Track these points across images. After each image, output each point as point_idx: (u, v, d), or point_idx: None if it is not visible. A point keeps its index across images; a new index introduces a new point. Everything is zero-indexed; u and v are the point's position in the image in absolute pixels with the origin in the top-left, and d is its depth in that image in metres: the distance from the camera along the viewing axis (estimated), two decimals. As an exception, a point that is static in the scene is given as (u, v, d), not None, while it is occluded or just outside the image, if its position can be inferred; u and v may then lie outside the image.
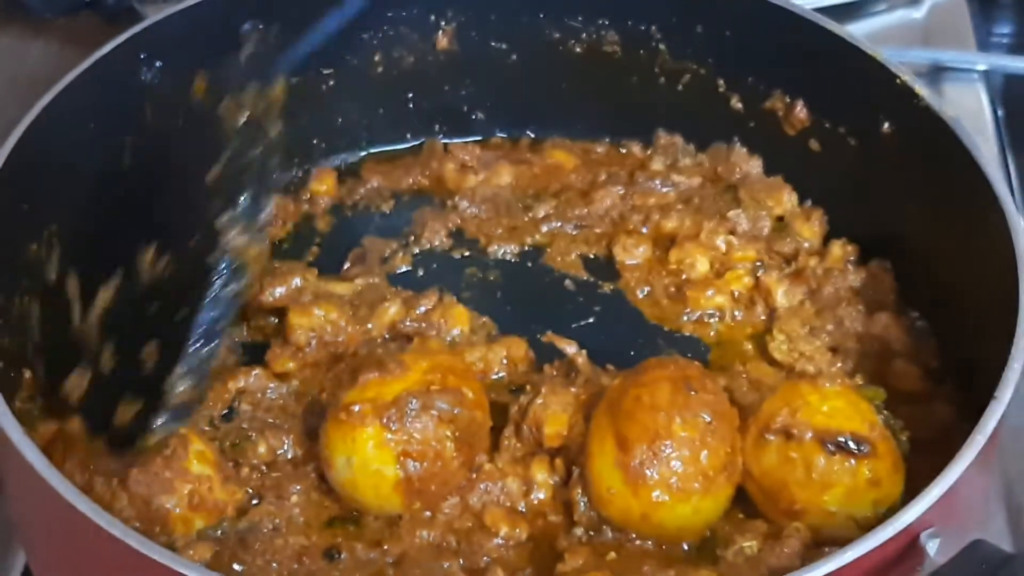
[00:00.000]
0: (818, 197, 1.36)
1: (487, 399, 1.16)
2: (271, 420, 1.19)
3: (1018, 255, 1.07)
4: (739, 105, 1.39)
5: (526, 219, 1.39)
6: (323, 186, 1.42)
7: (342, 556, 1.10)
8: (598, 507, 1.10)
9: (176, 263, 1.10)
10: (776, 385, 1.17)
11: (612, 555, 1.09)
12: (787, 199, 1.36)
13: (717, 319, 1.30)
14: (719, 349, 1.29)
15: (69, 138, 1.18)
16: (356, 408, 1.09)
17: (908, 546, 0.93)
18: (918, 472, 1.05)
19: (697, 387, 1.09)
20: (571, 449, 1.13)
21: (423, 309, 1.27)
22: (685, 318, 1.30)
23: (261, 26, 1.20)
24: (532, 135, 1.48)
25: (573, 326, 1.29)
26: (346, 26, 1.24)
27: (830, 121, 1.34)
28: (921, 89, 1.23)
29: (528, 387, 1.18)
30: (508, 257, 1.36)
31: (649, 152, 1.43)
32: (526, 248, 1.37)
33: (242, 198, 1.10)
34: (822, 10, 1.33)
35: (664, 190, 1.38)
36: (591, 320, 1.31)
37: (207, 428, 1.18)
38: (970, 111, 1.60)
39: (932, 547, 0.93)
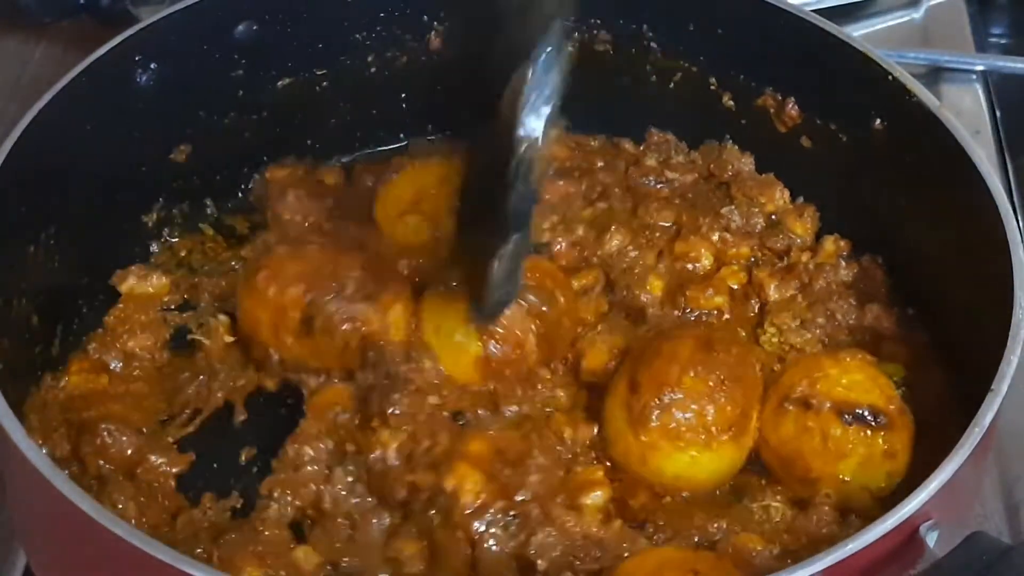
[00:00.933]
0: (810, 194, 1.37)
1: (578, 314, 1.21)
2: None
3: (1012, 252, 1.08)
4: (731, 103, 1.40)
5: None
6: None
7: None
8: (607, 446, 1.13)
9: None
10: (797, 359, 1.20)
11: (668, 499, 1.11)
12: (779, 196, 1.37)
13: (714, 319, 1.29)
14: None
15: (66, 138, 1.19)
16: None
17: (908, 538, 0.94)
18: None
19: (719, 348, 1.12)
20: (601, 388, 1.16)
21: None
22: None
23: (255, 27, 1.20)
24: (526, 134, 1.48)
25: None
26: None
27: (821, 118, 1.34)
28: (912, 85, 1.23)
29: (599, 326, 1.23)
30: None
31: (642, 148, 1.43)
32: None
33: None
34: (822, 12, 1.32)
35: (658, 187, 1.39)
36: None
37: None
38: (968, 111, 1.62)
39: (932, 539, 0.94)
